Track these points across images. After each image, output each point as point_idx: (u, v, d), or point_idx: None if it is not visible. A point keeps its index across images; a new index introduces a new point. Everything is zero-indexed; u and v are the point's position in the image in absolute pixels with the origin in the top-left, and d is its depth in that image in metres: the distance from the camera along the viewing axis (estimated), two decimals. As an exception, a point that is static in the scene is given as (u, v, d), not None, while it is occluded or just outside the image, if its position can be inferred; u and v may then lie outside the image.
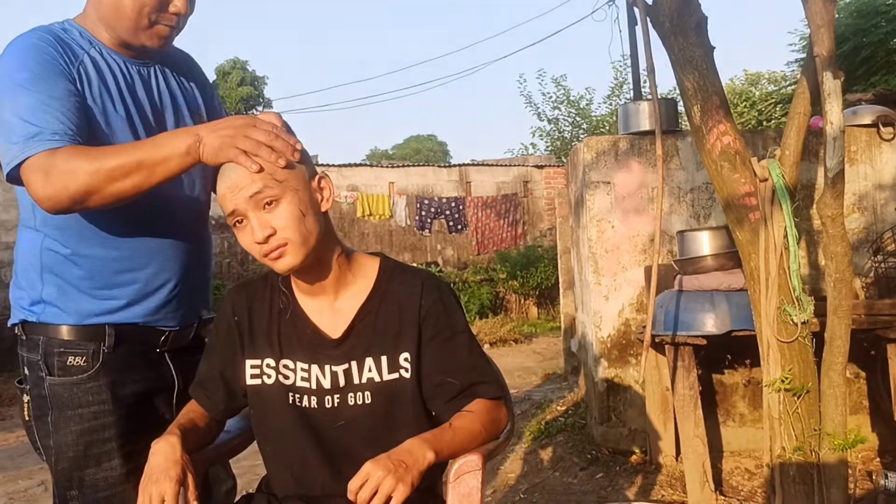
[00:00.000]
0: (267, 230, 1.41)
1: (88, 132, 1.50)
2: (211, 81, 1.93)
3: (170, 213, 1.67)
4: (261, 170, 1.39)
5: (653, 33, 2.80)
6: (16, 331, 1.66)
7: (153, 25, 1.59)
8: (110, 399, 1.61)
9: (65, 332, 1.60)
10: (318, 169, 1.54)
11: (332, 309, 1.56)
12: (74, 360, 1.59)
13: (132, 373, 1.65)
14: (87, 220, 1.57)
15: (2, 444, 5.51)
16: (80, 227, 1.58)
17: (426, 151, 42.27)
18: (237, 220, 1.43)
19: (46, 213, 1.50)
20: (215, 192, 1.51)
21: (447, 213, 12.24)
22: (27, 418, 1.64)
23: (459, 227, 12.29)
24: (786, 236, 2.49)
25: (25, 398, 1.64)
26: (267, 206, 1.41)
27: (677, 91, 2.86)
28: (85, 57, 1.57)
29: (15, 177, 1.46)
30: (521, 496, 3.65)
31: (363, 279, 1.57)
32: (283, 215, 1.41)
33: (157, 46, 1.64)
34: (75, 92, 1.51)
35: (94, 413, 1.59)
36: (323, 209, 1.50)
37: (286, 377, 1.55)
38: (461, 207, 12.29)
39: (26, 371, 1.63)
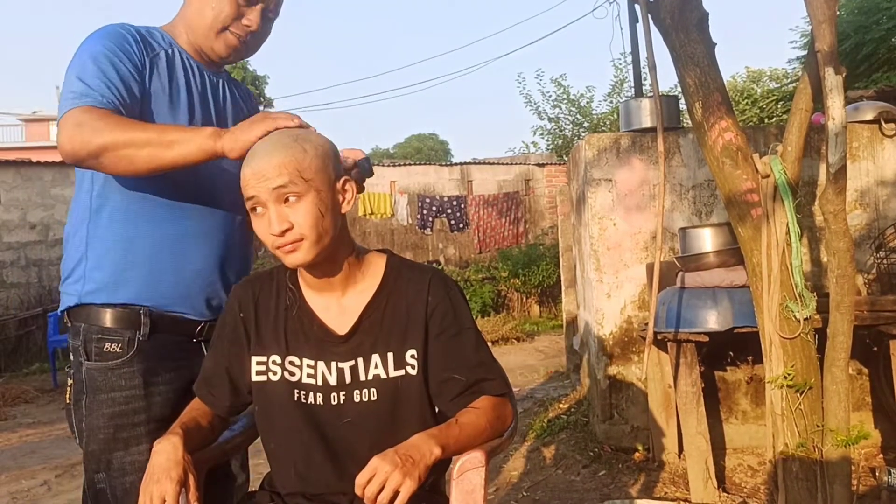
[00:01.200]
0: (284, 224, 1.42)
1: (142, 116, 1.62)
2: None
3: (215, 200, 1.75)
4: (301, 126, 1.46)
5: (654, 30, 2.80)
6: (64, 319, 1.75)
7: (224, 31, 1.72)
8: (142, 385, 1.67)
9: (103, 319, 1.67)
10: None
11: (339, 305, 1.56)
12: (111, 346, 1.67)
13: (166, 361, 1.72)
14: (134, 196, 1.66)
15: (5, 444, 5.52)
16: (127, 202, 1.67)
17: (427, 150, 42.25)
18: (254, 207, 1.44)
19: (105, 186, 1.66)
20: None
21: (449, 211, 12.23)
22: (68, 402, 1.72)
23: (461, 225, 12.28)
24: (788, 232, 2.49)
25: (69, 382, 1.72)
26: (288, 201, 1.42)
27: (678, 88, 2.86)
28: (161, 52, 1.71)
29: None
30: (524, 494, 3.65)
31: (370, 276, 1.58)
32: (303, 213, 1.42)
33: (225, 55, 1.77)
34: (137, 77, 1.63)
35: (126, 398, 1.66)
36: (343, 210, 1.51)
37: (292, 374, 1.55)
38: (463, 206, 12.28)
39: (71, 357, 1.72)
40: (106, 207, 1.68)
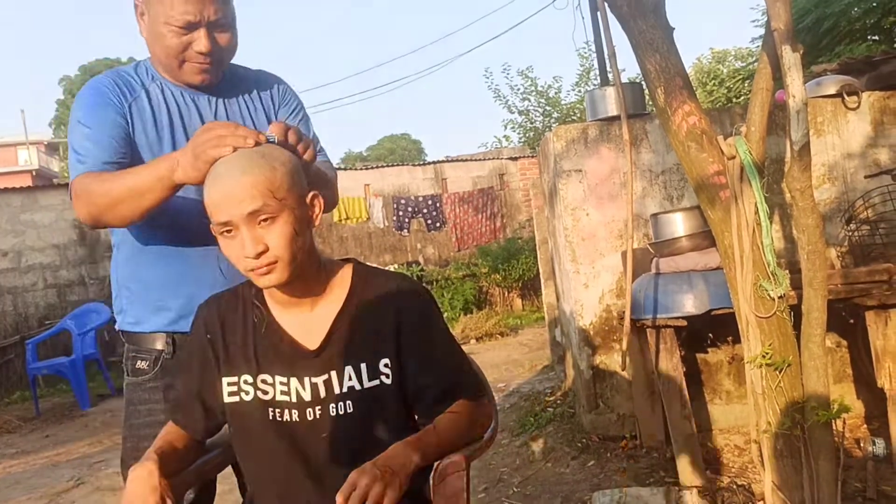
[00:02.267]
0: (260, 247, 1.39)
1: (133, 158, 1.72)
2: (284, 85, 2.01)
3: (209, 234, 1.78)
4: (235, 150, 1.41)
5: (613, 18, 2.80)
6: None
7: (184, 63, 1.75)
8: (162, 399, 1.82)
9: (136, 340, 1.88)
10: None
11: (307, 320, 1.54)
12: (142, 363, 1.86)
13: None
14: (140, 241, 1.82)
15: (7, 472, 5.43)
16: (135, 249, 1.84)
17: (401, 151, 42.23)
18: (226, 230, 1.41)
19: (123, 232, 1.83)
20: None
21: (424, 211, 12.21)
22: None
23: (438, 224, 12.26)
24: (757, 212, 2.49)
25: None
26: (262, 223, 1.39)
27: (641, 74, 2.86)
28: (142, 93, 1.78)
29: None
30: (515, 489, 3.65)
31: (338, 287, 1.56)
32: (278, 234, 1.40)
33: (199, 80, 1.80)
34: (123, 124, 1.73)
35: (149, 410, 1.83)
36: (313, 225, 1.49)
37: (265, 392, 1.53)
38: (438, 205, 12.26)
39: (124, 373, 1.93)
40: (124, 252, 1.87)
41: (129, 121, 1.74)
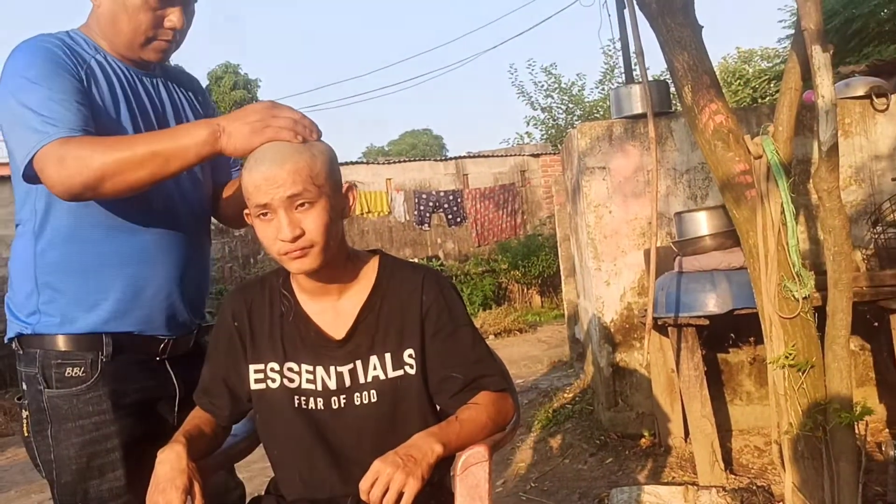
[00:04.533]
0: (297, 231, 1.41)
1: (96, 129, 1.52)
2: (204, 87, 1.95)
3: (171, 218, 1.68)
4: (304, 141, 1.43)
5: (640, 16, 2.79)
6: (13, 346, 1.65)
7: (150, 42, 1.63)
8: (111, 409, 1.60)
9: (62, 343, 1.59)
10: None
11: (334, 309, 1.56)
12: (73, 370, 1.58)
13: (132, 381, 1.65)
14: (84, 221, 1.58)
15: (13, 460, 5.53)
16: (76, 229, 1.58)
17: (422, 146, 42.25)
18: (263, 213, 1.42)
19: (49, 210, 1.56)
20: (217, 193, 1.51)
21: (445, 206, 12.23)
22: (26, 434, 1.63)
23: (458, 219, 12.28)
24: (783, 212, 2.48)
25: (25, 414, 1.63)
26: (300, 208, 1.41)
27: (668, 73, 2.85)
28: (92, 61, 1.60)
29: (31, 172, 1.47)
30: (532, 485, 3.66)
31: (364, 278, 1.58)
32: (315, 219, 1.42)
33: (156, 60, 1.68)
34: (83, 90, 1.54)
35: (96, 424, 1.59)
36: (347, 216, 1.52)
37: (291, 380, 1.55)
38: (459, 200, 12.27)
39: (24, 386, 1.62)
40: (53, 236, 1.59)
41: (86, 88, 1.55)
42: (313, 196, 1.41)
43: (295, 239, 1.41)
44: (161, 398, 1.72)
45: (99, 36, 1.65)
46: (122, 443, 1.61)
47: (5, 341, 1.68)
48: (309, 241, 1.42)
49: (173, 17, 1.61)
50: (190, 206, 1.73)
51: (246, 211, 1.48)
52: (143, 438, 1.62)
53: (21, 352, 1.63)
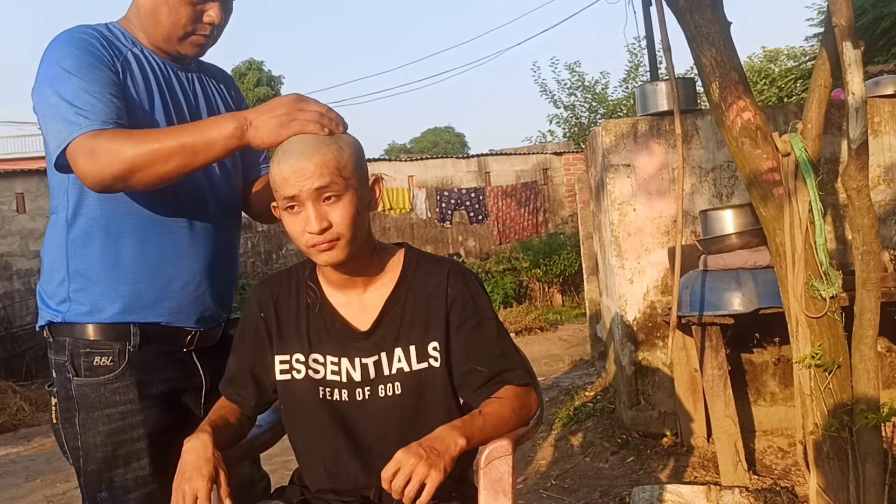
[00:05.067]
0: (324, 223, 1.42)
1: (130, 121, 1.55)
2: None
3: (201, 211, 1.70)
4: (331, 133, 1.44)
5: (668, 12, 2.77)
6: (44, 334, 1.68)
7: (188, 36, 1.66)
8: (137, 398, 1.63)
9: (91, 332, 1.61)
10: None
11: (359, 301, 1.57)
12: (101, 359, 1.61)
13: (159, 372, 1.67)
14: (115, 211, 1.61)
15: (39, 449, 5.61)
16: (107, 219, 1.61)
17: (444, 143, 42.26)
18: (291, 206, 1.43)
19: (81, 200, 1.59)
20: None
21: (467, 203, 12.24)
22: (55, 422, 1.67)
23: (480, 217, 12.28)
24: (811, 211, 2.46)
25: (53, 401, 1.66)
26: (327, 200, 1.42)
27: (694, 70, 2.83)
28: (128, 53, 1.63)
29: (63, 162, 1.51)
30: (553, 482, 3.65)
31: (390, 271, 1.59)
32: (342, 212, 1.43)
33: (193, 54, 1.71)
34: (118, 82, 1.57)
35: (122, 413, 1.61)
36: (373, 209, 1.53)
37: (316, 371, 1.56)
38: (481, 198, 12.28)
39: (54, 374, 1.65)
40: (85, 226, 1.62)
41: (121, 81, 1.58)
42: (340, 189, 1.42)
43: (322, 231, 1.42)
44: (187, 389, 1.74)
45: (137, 29, 1.67)
46: (148, 432, 1.63)
47: (36, 329, 1.71)
48: (336, 234, 1.43)
49: (212, 11, 1.64)
50: (220, 200, 1.75)
51: (273, 203, 1.49)
52: (169, 429, 1.65)
53: (51, 340, 1.65)
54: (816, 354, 2.45)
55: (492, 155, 13.34)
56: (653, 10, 4.45)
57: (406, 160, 13.20)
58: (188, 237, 1.68)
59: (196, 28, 1.65)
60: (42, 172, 10.37)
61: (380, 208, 11.72)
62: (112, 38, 1.62)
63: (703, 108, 4.16)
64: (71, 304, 1.63)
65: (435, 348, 1.54)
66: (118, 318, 1.62)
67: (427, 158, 13.44)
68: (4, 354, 9.29)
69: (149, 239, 1.63)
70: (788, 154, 2.49)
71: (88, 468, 1.61)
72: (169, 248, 1.65)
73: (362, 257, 1.53)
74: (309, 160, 1.41)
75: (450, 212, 12.19)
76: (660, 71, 5.47)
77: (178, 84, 1.71)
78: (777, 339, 3.62)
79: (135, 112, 1.59)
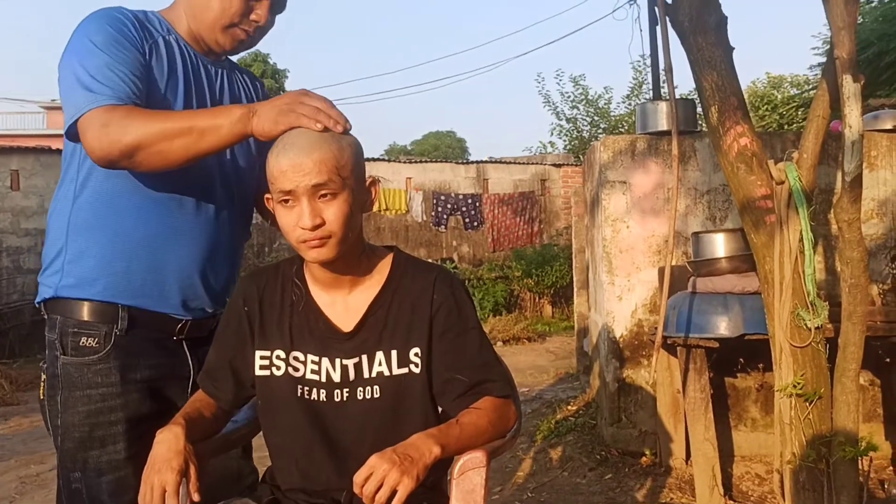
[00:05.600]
0: (317, 219, 1.41)
1: (147, 102, 1.57)
2: None
3: (208, 200, 1.70)
4: (325, 129, 1.43)
5: (672, 33, 2.78)
6: (41, 310, 1.70)
7: (231, 27, 1.69)
8: (119, 382, 1.63)
9: (80, 311, 1.63)
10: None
11: (344, 302, 1.56)
12: (87, 340, 1.61)
13: (144, 358, 1.67)
14: (122, 188, 1.62)
15: (16, 429, 5.58)
16: (113, 195, 1.62)
17: (445, 148, 42.28)
18: (286, 199, 1.43)
19: (91, 173, 1.60)
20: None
21: (464, 209, 12.23)
22: (41, 397, 1.68)
23: (476, 223, 12.28)
24: (801, 240, 2.47)
25: (43, 377, 1.68)
26: (322, 198, 1.42)
27: (696, 92, 2.84)
28: (159, 38, 1.66)
29: (74, 131, 1.53)
30: (529, 495, 3.65)
31: (377, 273, 1.58)
32: (336, 210, 1.42)
33: (229, 48, 1.74)
34: (143, 63, 1.59)
35: (102, 395, 1.61)
36: (365, 211, 1.52)
37: (296, 369, 1.55)
38: (478, 204, 12.28)
39: (46, 350, 1.67)
40: (90, 199, 1.63)
41: (147, 62, 1.61)
42: (337, 187, 1.42)
43: (315, 228, 1.42)
44: (174, 378, 1.73)
45: (179, 18, 1.71)
46: (126, 417, 1.63)
47: (35, 303, 1.73)
48: (328, 232, 1.43)
49: (260, 10, 1.69)
50: (229, 194, 1.75)
51: (267, 195, 1.49)
52: (150, 416, 1.64)
53: (47, 317, 1.68)
54: (798, 384, 2.46)
55: (491, 162, 13.35)
56: (658, 29, 4.46)
57: (405, 162, 13.19)
58: (190, 224, 1.68)
59: (241, 21, 1.69)
60: (39, 150, 10.36)
61: (375, 208, 11.72)
62: (146, 22, 1.66)
63: (702, 130, 4.17)
64: (62, 276, 1.64)
65: (416, 354, 1.53)
66: (106, 297, 1.62)
67: (426, 162, 13.44)
68: (-8, 331, 9.25)
69: (149, 219, 1.64)
70: (783, 183, 2.50)
71: (65, 447, 1.62)
72: (168, 231, 1.66)
73: (351, 258, 1.52)
74: (308, 156, 1.40)
75: (445, 216, 12.19)
76: (663, 90, 5.48)
77: (205, 75, 1.74)
78: (761, 366, 3.63)
79: (155, 95, 1.61)
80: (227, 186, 1.75)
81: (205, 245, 1.71)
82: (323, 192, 1.41)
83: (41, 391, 1.68)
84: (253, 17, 1.69)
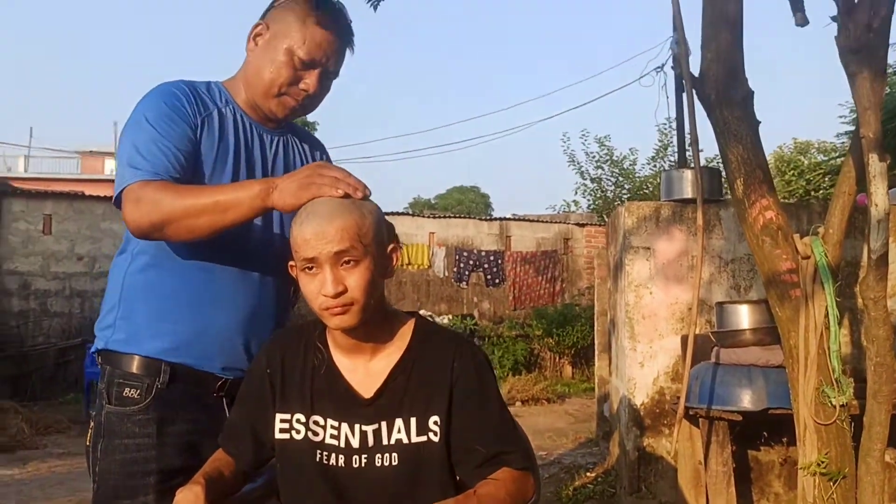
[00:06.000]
0: (340, 287, 1.43)
1: (193, 175, 1.66)
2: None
3: (248, 263, 1.76)
4: (346, 195, 1.46)
5: (698, 104, 2.82)
6: (98, 360, 1.77)
7: (281, 95, 1.76)
8: (155, 433, 1.67)
9: (127, 364, 1.70)
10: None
11: (365, 367, 1.57)
12: (130, 391, 1.68)
13: (182, 411, 1.71)
14: (168, 253, 1.69)
15: (34, 474, 5.58)
16: (161, 259, 1.70)
17: (468, 203, 42.48)
18: (309, 267, 1.45)
19: (143, 247, 1.70)
20: None
21: (486, 266, 12.25)
22: (88, 443, 1.73)
23: (497, 280, 12.28)
24: (827, 316, 2.45)
25: (91, 424, 1.74)
26: (345, 265, 1.44)
27: (721, 160, 2.86)
28: (215, 111, 1.75)
29: (117, 204, 1.62)
30: (545, 564, 3.57)
31: (399, 339, 1.59)
32: (358, 278, 1.44)
33: (282, 115, 1.81)
34: (192, 138, 1.68)
35: (138, 445, 1.66)
36: (387, 276, 1.54)
37: (315, 433, 1.55)
38: (500, 261, 12.29)
39: (97, 399, 1.74)
40: (143, 262, 1.72)
41: (198, 136, 1.69)
42: (359, 254, 1.44)
43: (337, 295, 1.44)
44: (210, 435, 1.74)
45: (240, 87, 1.80)
46: (159, 469, 1.66)
47: (90, 352, 1.83)
48: (350, 299, 1.45)
49: (309, 80, 1.75)
50: (269, 257, 1.79)
51: (291, 263, 1.51)
52: (183, 470, 1.64)
53: (100, 366, 1.75)
54: (822, 462, 2.42)
55: (514, 220, 13.40)
56: (685, 96, 4.51)
57: (428, 216, 13.28)
58: (232, 289, 1.74)
59: (290, 90, 1.75)
60: (72, 196, 10.57)
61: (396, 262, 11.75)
62: (204, 95, 1.75)
63: (727, 198, 4.18)
64: (114, 330, 1.72)
65: (436, 423, 1.53)
66: (151, 353, 1.69)
67: (449, 217, 13.53)
68: (13, 373, 9.31)
69: (194, 283, 1.71)
70: (808, 257, 2.49)
71: (99, 492, 1.68)
72: (210, 295, 1.72)
73: (373, 324, 1.54)
74: (330, 224, 1.43)
75: (467, 272, 12.21)
76: (687, 153, 5.51)
77: (258, 144, 1.81)
78: (785, 440, 3.57)
79: (205, 166, 1.70)
80: (269, 253, 1.78)
81: (246, 309, 1.76)
82: (345, 258, 1.43)
83: (88, 437, 1.74)
84: (302, 86, 1.75)
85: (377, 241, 1.49)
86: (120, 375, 1.69)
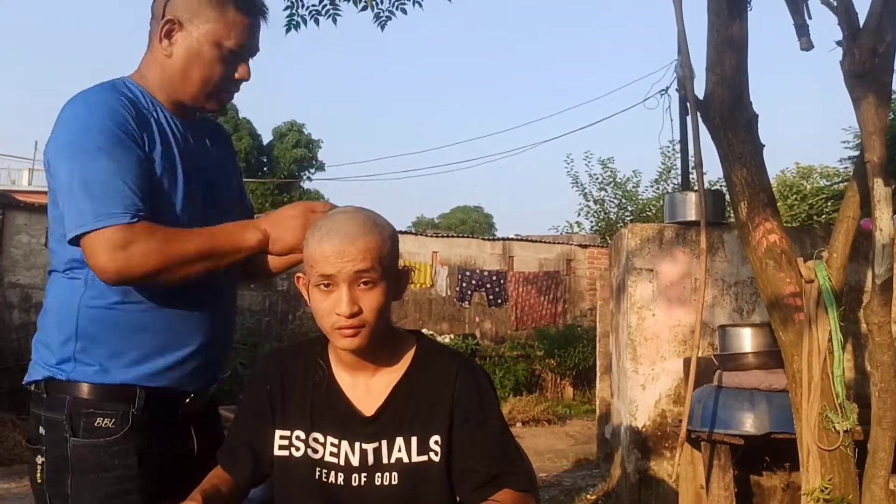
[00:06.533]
0: (355, 307, 1.42)
1: (152, 197, 1.55)
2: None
3: (214, 287, 1.72)
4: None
5: (702, 126, 2.82)
6: (33, 388, 1.61)
7: (217, 93, 1.68)
8: (136, 463, 1.57)
9: (94, 392, 1.57)
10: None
11: (366, 386, 1.56)
12: (103, 421, 1.55)
13: (159, 436, 1.63)
14: (143, 287, 1.59)
15: (25, 489, 5.53)
16: (132, 291, 1.58)
17: (472, 222, 42.56)
18: (325, 283, 1.44)
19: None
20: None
21: (488, 286, 12.24)
22: (40, 481, 1.58)
23: (499, 300, 12.26)
24: (830, 340, 2.44)
25: (40, 459, 1.57)
26: (363, 285, 1.43)
27: (725, 182, 2.86)
28: (151, 120, 1.62)
29: (75, 244, 1.50)
30: (544, 587, 3.53)
31: (400, 358, 1.58)
32: (373, 300, 1.43)
33: (215, 110, 1.75)
34: (145, 158, 1.56)
35: (119, 478, 1.56)
36: (396, 299, 1.53)
37: (315, 451, 1.54)
38: (502, 281, 12.28)
39: (43, 431, 1.57)
40: (104, 289, 1.57)
41: (148, 155, 1.56)
42: (377, 276, 1.43)
43: (352, 315, 1.43)
44: (181, 456, 1.71)
45: (156, 86, 1.66)
46: (143, 499, 1.59)
47: (24, 382, 1.65)
48: (362, 321, 1.43)
49: (242, 69, 1.67)
50: (231, 278, 1.78)
51: (299, 275, 1.50)
52: (162, 496, 1.60)
53: (45, 395, 1.59)
54: (826, 488, 2.39)
55: (517, 240, 13.40)
56: (689, 119, 4.52)
57: (431, 236, 13.29)
58: (199, 307, 1.67)
59: (226, 86, 1.68)
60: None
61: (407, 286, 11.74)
62: (137, 103, 1.61)
63: (730, 221, 4.18)
64: (76, 364, 1.58)
65: (436, 442, 1.52)
66: (125, 380, 1.58)
67: (453, 236, 13.53)
68: (11, 386, 9.26)
69: (160, 313, 1.62)
70: (812, 281, 2.49)
71: None
72: (179, 323, 1.65)
73: (377, 343, 1.53)
74: (353, 243, 1.42)
75: (470, 292, 12.19)
76: (691, 176, 5.52)
77: (192, 141, 1.70)
78: (788, 465, 3.53)
79: (159, 189, 1.59)
80: (229, 272, 1.74)
81: (213, 324, 1.72)
82: (364, 279, 1.42)
83: (38, 475, 1.57)
84: (237, 76, 1.67)
85: (393, 264, 1.48)
86: (87, 404, 1.54)
